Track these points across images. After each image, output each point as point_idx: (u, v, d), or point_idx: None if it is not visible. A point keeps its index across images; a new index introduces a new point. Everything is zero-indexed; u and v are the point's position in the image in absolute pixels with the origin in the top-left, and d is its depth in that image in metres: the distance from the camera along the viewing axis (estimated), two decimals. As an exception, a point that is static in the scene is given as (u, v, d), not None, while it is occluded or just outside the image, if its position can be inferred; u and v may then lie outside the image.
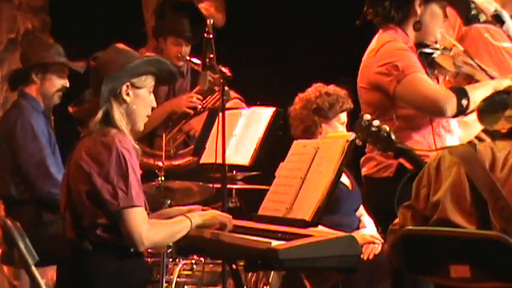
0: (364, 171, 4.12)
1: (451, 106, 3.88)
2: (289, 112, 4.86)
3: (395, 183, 3.68)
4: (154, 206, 4.61)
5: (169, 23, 5.64)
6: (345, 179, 4.86)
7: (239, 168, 4.99)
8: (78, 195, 3.44)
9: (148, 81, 3.60)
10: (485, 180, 2.94)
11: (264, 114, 5.03)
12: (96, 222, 3.41)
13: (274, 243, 3.24)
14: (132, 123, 3.56)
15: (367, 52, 4.10)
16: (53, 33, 6.93)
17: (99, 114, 3.49)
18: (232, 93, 5.57)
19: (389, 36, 4.04)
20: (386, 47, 4.00)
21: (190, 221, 3.51)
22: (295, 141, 3.95)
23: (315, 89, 4.84)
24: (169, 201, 4.65)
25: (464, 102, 3.86)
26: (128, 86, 3.53)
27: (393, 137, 3.59)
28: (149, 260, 4.91)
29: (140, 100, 3.56)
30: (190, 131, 5.63)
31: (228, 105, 5.41)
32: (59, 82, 4.93)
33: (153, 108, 3.64)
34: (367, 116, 3.59)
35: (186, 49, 5.62)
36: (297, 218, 3.59)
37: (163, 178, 4.69)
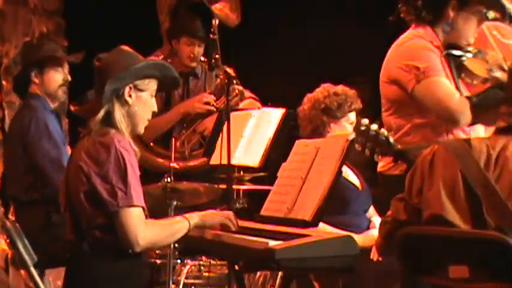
0: (379, 167, 4.11)
1: (464, 115, 3.84)
2: (298, 112, 4.84)
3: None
4: (160, 207, 4.65)
5: (182, 24, 5.62)
6: (354, 179, 4.83)
7: (246, 169, 4.96)
8: (77, 195, 3.44)
9: (151, 85, 3.60)
10: (479, 176, 2.93)
11: (273, 115, 5.02)
12: (94, 223, 3.41)
13: (272, 243, 3.23)
14: (132, 125, 3.56)
15: (393, 46, 4.08)
16: (68, 36, 6.96)
17: (101, 114, 3.49)
18: (247, 93, 5.55)
19: (416, 32, 4.01)
20: (411, 43, 3.98)
21: (189, 221, 3.51)
22: (297, 141, 3.94)
23: (323, 89, 4.83)
24: (175, 202, 4.63)
25: None
26: (130, 88, 3.54)
27: (392, 140, 3.56)
28: (157, 261, 4.91)
29: (142, 103, 3.56)
30: (205, 131, 5.61)
31: (242, 104, 5.49)
32: (58, 77, 4.93)
33: (153, 113, 3.64)
34: (365, 120, 3.56)
35: (199, 49, 5.61)
36: (298, 218, 3.58)
37: (169, 179, 4.67)
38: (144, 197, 3.47)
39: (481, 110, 3.80)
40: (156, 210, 4.57)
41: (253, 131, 5.07)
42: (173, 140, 5.29)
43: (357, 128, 3.55)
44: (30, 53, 5.06)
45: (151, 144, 5.62)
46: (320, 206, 3.50)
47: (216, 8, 5.59)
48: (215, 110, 5.50)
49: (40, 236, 4.62)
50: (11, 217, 5.34)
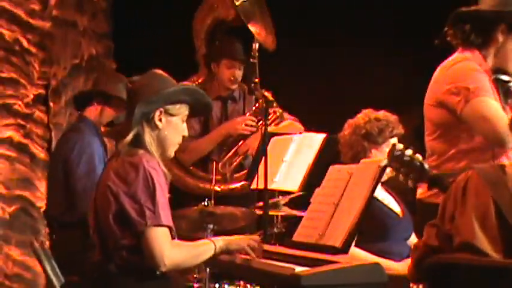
0: (418, 194, 4.03)
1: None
2: (339, 138, 4.78)
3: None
4: (196, 231, 4.62)
5: (222, 47, 5.64)
6: (395, 205, 4.74)
7: (283, 192, 4.92)
8: (105, 215, 3.44)
9: (182, 110, 3.61)
10: (511, 205, 2.85)
11: (314, 140, 4.97)
12: (121, 244, 3.41)
13: (298, 269, 3.20)
14: (162, 149, 3.57)
15: (439, 68, 4.01)
16: (116, 59, 7.02)
17: (130, 136, 3.50)
18: (286, 115, 5.53)
19: (464, 56, 3.93)
20: (460, 66, 3.90)
21: (214, 244, 3.49)
22: (331, 167, 3.88)
23: (364, 115, 4.76)
24: (211, 226, 4.60)
25: None
26: (161, 112, 3.54)
27: (426, 166, 3.47)
28: (195, 285, 4.87)
29: (172, 127, 3.57)
30: (248, 151, 5.58)
31: (282, 125, 5.45)
32: (113, 115, 5.00)
33: (184, 137, 3.64)
34: (400, 146, 3.49)
35: (239, 72, 5.61)
36: (328, 244, 3.52)
37: (207, 203, 4.65)
38: (179, 219, 3.45)
39: None
40: (192, 234, 4.61)
41: (294, 156, 5.02)
42: (214, 162, 5.27)
43: (391, 153, 3.48)
44: (104, 81, 5.13)
45: (191, 168, 5.60)
46: (350, 232, 3.44)
47: (254, 31, 5.57)
48: (256, 129, 5.44)
49: (77, 258, 4.62)
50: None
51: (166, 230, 3.40)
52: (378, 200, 4.61)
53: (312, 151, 4.92)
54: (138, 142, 3.50)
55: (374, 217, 4.50)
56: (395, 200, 4.78)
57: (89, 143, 4.88)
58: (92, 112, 5.01)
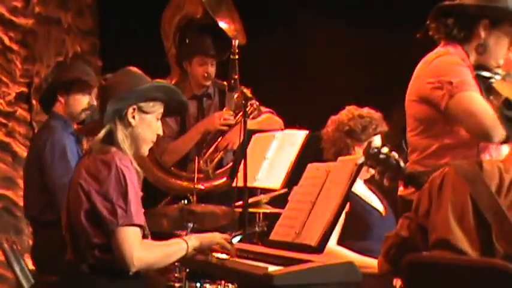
0: (400, 191, 3.97)
1: (498, 132, 3.66)
2: (322, 134, 4.72)
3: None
4: (177, 229, 4.57)
5: (192, 44, 5.59)
6: (378, 204, 4.69)
7: (264, 190, 4.86)
8: (76, 214, 3.39)
9: (157, 108, 3.55)
10: (489, 202, 2.84)
11: (296, 137, 4.91)
12: (93, 243, 3.35)
13: (272, 268, 3.16)
14: (135, 146, 3.51)
15: (420, 63, 3.94)
16: (102, 56, 6.96)
17: (102, 133, 3.45)
18: (263, 108, 5.49)
19: (446, 50, 3.87)
20: (441, 60, 3.84)
21: (187, 243, 3.44)
22: (308, 165, 3.83)
23: (347, 111, 4.71)
24: (191, 225, 4.54)
25: None
26: (134, 109, 3.49)
27: (402, 164, 3.42)
28: (176, 284, 4.81)
29: (146, 125, 3.51)
30: (228, 145, 5.53)
31: (261, 118, 5.42)
32: (84, 100, 4.88)
33: (159, 136, 3.58)
34: (376, 143, 3.45)
35: (211, 69, 5.55)
36: (304, 243, 3.48)
37: (186, 201, 4.60)
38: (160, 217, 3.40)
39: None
40: (174, 232, 4.56)
41: (276, 153, 4.97)
42: (196, 159, 5.22)
43: (366, 151, 3.43)
44: (60, 73, 5.08)
45: (173, 169, 5.55)
46: (326, 231, 3.40)
47: (224, 27, 5.54)
48: (234, 124, 5.40)
49: (57, 257, 4.56)
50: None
51: (137, 229, 3.35)
52: (360, 198, 4.59)
53: (294, 148, 4.86)
54: (111, 139, 3.44)
55: (356, 215, 4.48)
56: (379, 198, 4.74)
57: (60, 139, 4.77)
58: (60, 106, 4.89)
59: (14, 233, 6.14)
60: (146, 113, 3.51)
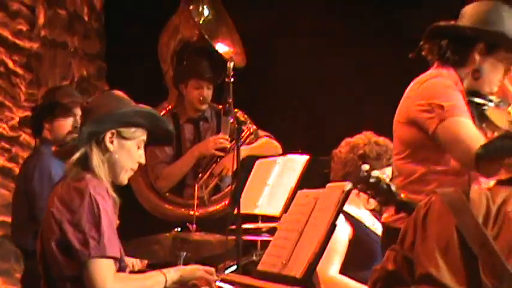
0: (383, 217, 3.82)
1: None
2: (333, 155, 4.58)
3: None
4: (170, 259, 4.42)
5: (188, 67, 5.53)
6: (381, 231, 4.53)
7: (264, 219, 4.74)
8: (48, 244, 3.27)
9: (138, 134, 3.41)
10: (476, 233, 2.64)
11: (297, 163, 4.81)
12: (65, 275, 3.23)
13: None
14: (113, 173, 3.38)
15: (412, 84, 3.78)
16: (109, 80, 6.87)
17: (75, 156, 3.33)
18: (260, 132, 5.41)
19: (438, 72, 3.71)
20: (434, 82, 3.67)
21: (165, 276, 3.30)
22: (298, 192, 3.67)
23: (364, 136, 4.57)
24: (184, 254, 4.38)
25: None
26: (113, 134, 3.36)
27: (394, 189, 3.27)
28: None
29: (125, 151, 3.38)
30: (223, 171, 5.40)
31: (258, 142, 5.38)
32: (67, 123, 4.80)
33: (140, 165, 3.45)
34: (366, 166, 3.33)
35: (208, 92, 5.47)
36: (291, 275, 3.31)
37: (179, 229, 4.46)
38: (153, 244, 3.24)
39: (486, 162, 3.44)
40: (166, 261, 4.41)
41: (277, 179, 4.88)
42: (195, 186, 5.11)
43: (356, 175, 3.27)
44: (43, 99, 5.01)
45: (168, 194, 5.44)
46: (311, 262, 3.23)
47: (222, 50, 5.45)
48: (228, 148, 5.31)
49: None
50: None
51: (110, 262, 3.21)
52: (365, 225, 4.45)
53: (295, 174, 4.77)
54: (85, 164, 3.32)
55: (360, 243, 4.38)
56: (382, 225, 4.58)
57: (47, 165, 4.70)
58: (47, 132, 4.84)
59: (14, 261, 6.02)
60: (126, 138, 3.37)
